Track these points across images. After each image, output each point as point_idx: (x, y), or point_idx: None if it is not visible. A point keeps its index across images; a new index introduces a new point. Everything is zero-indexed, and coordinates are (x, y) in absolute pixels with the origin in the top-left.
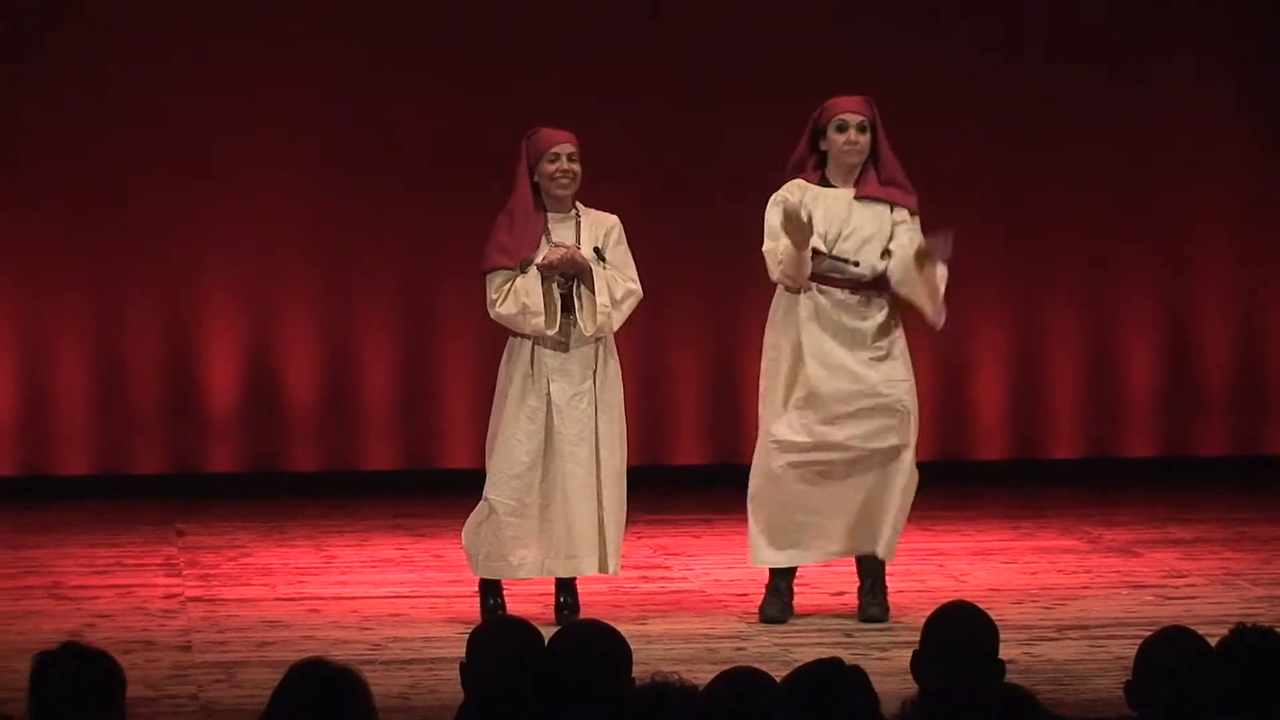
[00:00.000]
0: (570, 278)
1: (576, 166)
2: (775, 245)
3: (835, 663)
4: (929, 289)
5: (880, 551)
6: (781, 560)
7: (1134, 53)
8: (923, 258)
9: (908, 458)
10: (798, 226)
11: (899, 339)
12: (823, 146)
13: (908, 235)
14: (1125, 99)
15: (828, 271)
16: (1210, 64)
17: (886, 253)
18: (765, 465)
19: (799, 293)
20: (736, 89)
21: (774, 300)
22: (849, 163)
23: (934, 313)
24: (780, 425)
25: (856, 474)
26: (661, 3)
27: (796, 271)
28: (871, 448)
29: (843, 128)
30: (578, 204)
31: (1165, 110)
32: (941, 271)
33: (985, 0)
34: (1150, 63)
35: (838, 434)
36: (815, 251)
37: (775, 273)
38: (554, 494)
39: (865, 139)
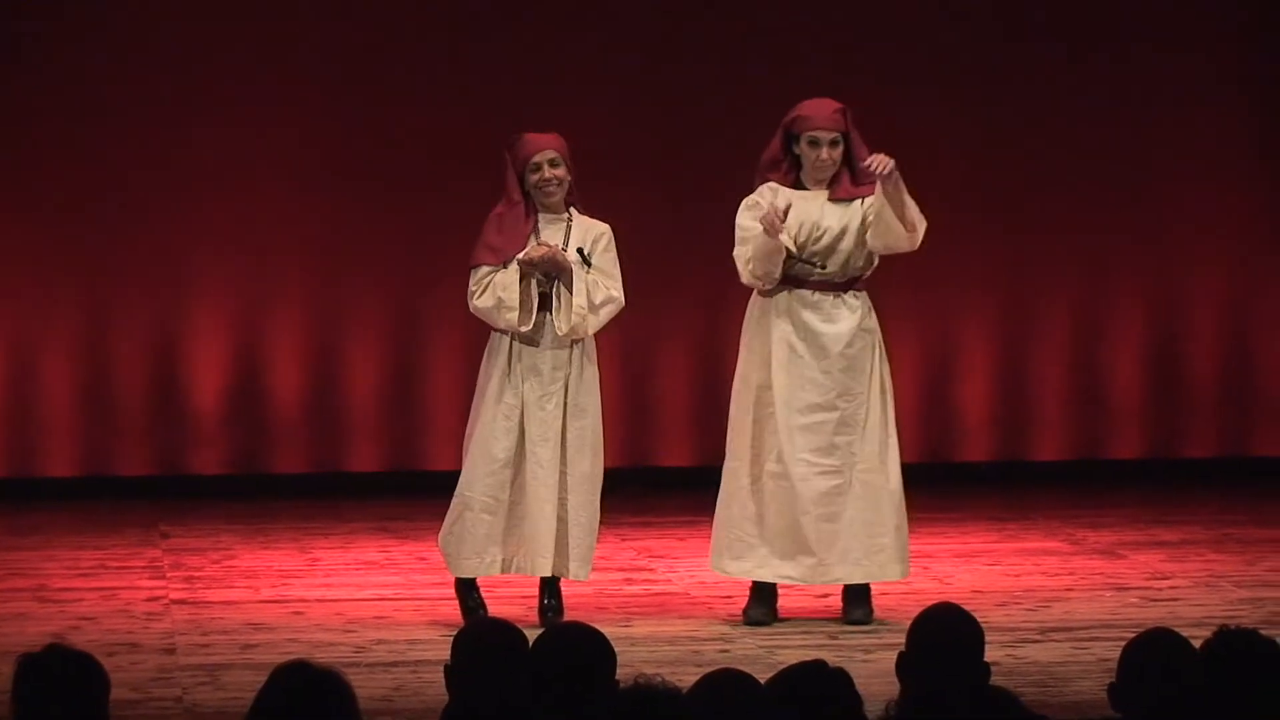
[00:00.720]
0: (551, 277)
1: (560, 172)
2: (745, 250)
3: (819, 665)
4: (899, 209)
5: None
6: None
7: (1126, 54)
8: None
9: (865, 476)
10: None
11: (870, 346)
12: (796, 151)
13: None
14: (1114, 100)
15: (799, 273)
16: (1204, 68)
17: (862, 246)
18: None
19: (771, 297)
20: (727, 90)
21: (749, 304)
22: (821, 176)
23: (911, 229)
24: (743, 440)
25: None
26: (653, 4)
27: (768, 264)
28: (827, 464)
29: (815, 144)
30: (572, 209)
31: (1153, 112)
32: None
33: (974, 1)
34: (1142, 65)
35: (795, 448)
36: (786, 254)
37: (745, 274)
38: (523, 492)
39: (838, 152)
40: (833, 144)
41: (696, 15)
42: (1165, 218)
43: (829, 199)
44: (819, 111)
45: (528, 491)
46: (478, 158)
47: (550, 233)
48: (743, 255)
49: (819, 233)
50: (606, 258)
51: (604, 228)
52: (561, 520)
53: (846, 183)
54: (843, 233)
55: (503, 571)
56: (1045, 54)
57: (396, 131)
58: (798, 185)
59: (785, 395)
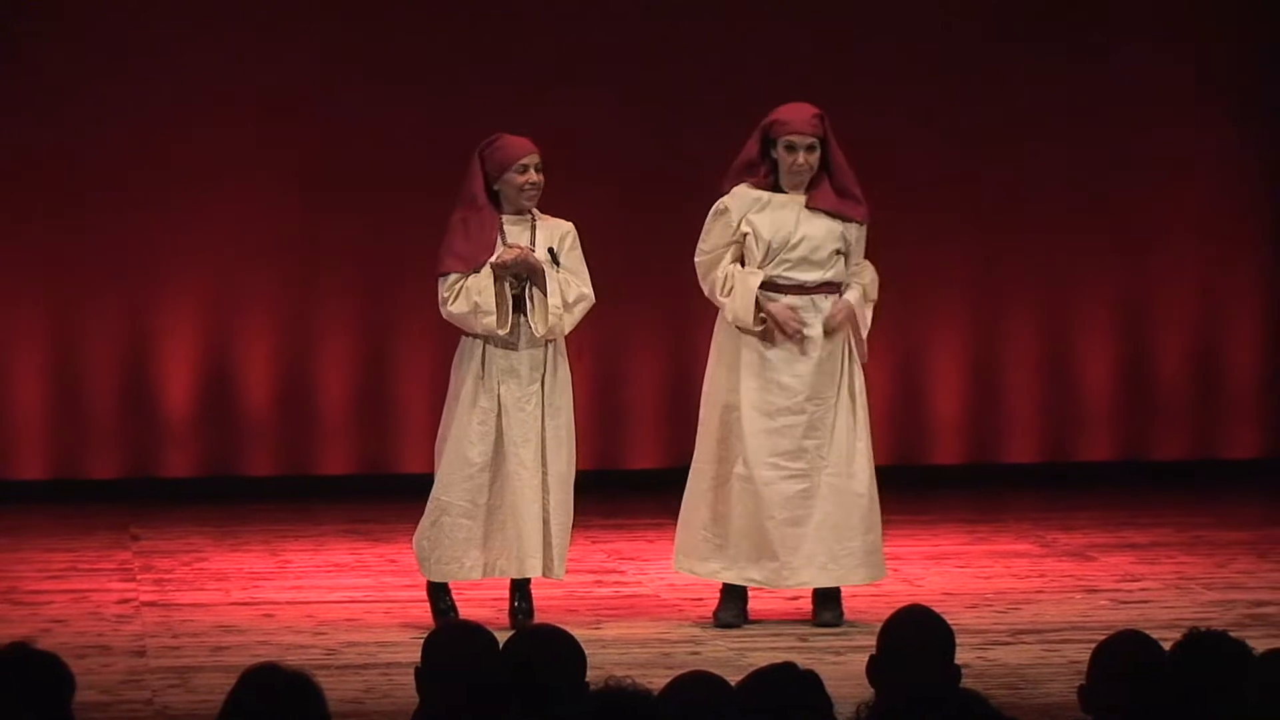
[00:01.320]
0: (523, 278)
1: (542, 176)
2: (711, 264)
3: (789, 667)
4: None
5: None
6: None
7: (1092, 54)
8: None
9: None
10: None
11: (841, 349)
12: (773, 155)
13: (854, 290)
14: (1083, 103)
15: (770, 278)
16: (1173, 73)
17: (837, 252)
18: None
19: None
20: (695, 93)
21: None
22: (798, 181)
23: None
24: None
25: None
26: (620, 7)
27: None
28: (794, 467)
29: (791, 149)
30: (534, 210)
31: (1123, 113)
32: (868, 321)
33: (947, 4)
34: (1108, 65)
35: (762, 451)
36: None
37: (705, 289)
38: (503, 495)
39: (814, 157)
40: (809, 149)
41: (665, 18)
42: (1135, 222)
43: (806, 205)
44: (796, 116)
45: (512, 494)
46: (449, 160)
47: (515, 234)
48: (710, 274)
49: (795, 239)
50: (573, 256)
51: (568, 226)
52: (544, 520)
53: (828, 190)
54: (817, 247)
55: (484, 576)
56: (1016, 58)
57: (367, 135)
58: (775, 188)
59: (753, 399)
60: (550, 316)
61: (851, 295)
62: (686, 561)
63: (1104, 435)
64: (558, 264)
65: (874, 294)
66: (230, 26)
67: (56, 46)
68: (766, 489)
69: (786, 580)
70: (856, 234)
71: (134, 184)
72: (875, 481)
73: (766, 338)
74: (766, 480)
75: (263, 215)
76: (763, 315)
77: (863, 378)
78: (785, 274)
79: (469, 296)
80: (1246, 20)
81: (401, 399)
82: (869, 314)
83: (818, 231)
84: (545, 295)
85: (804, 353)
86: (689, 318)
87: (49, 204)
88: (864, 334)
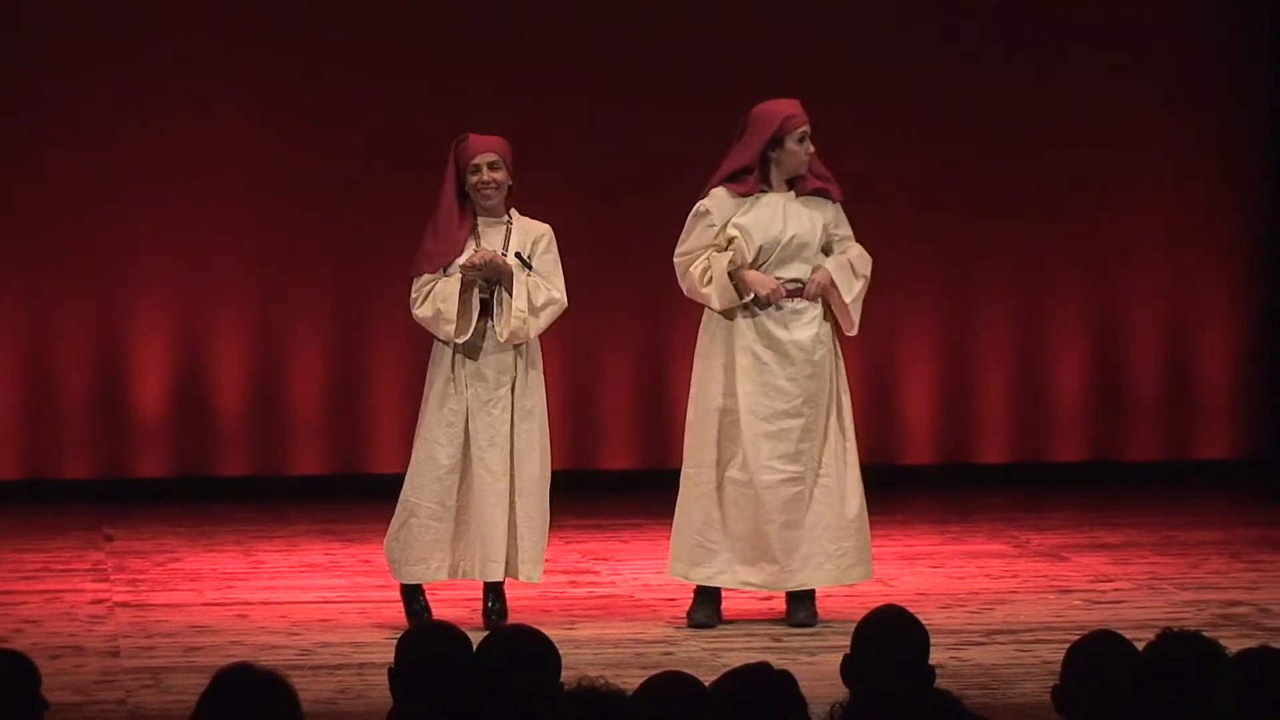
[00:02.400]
0: (492, 282)
1: (499, 175)
2: (689, 264)
3: (764, 667)
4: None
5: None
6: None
7: (1062, 60)
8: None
9: (827, 481)
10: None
11: (831, 352)
12: (774, 155)
13: (834, 258)
14: (1053, 107)
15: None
16: (1139, 73)
17: (824, 249)
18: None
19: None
20: (671, 96)
21: (705, 311)
22: (803, 171)
23: (846, 326)
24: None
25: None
26: (598, 8)
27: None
28: (792, 470)
29: (803, 139)
30: (512, 211)
31: (1093, 118)
32: (855, 290)
33: (915, 10)
34: (1079, 71)
35: (761, 454)
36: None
37: (684, 287)
38: (469, 498)
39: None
40: (811, 137)
41: (639, 22)
42: (1104, 225)
43: (797, 195)
44: (796, 108)
45: (476, 497)
46: (422, 164)
47: (491, 235)
48: (689, 270)
49: (785, 237)
50: (548, 259)
51: (545, 229)
52: (511, 524)
53: (810, 177)
54: (806, 242)
55: (449, 578)
56: (987, 65)
57: (339, 138)
58: (760, 189)
59: (750, 403)
60: (514, 320)
61: (829, 263)
62: (680, 568)
63: (1076, 436)
64: (529, 269)
65: (863, 270)
66: (203, 31)
67: (31, 50)
68: (766, 492)
69: (786, 583)
70: (834, 213)
71: (107, 186)
72: (862, 482)
73: (741, 330)
74: (766, 484)
75: (236, 217)
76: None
77: (846, 379)
78: (777, 272)
79: (434, 302)
80: (1215, 30)
81: (374, 400)
82: (858, 287)
83: (804, 225)
84: (512, 299)
85: (794, 351)
86: (662, 318)
87: (20, 205)
88: (850, 301)
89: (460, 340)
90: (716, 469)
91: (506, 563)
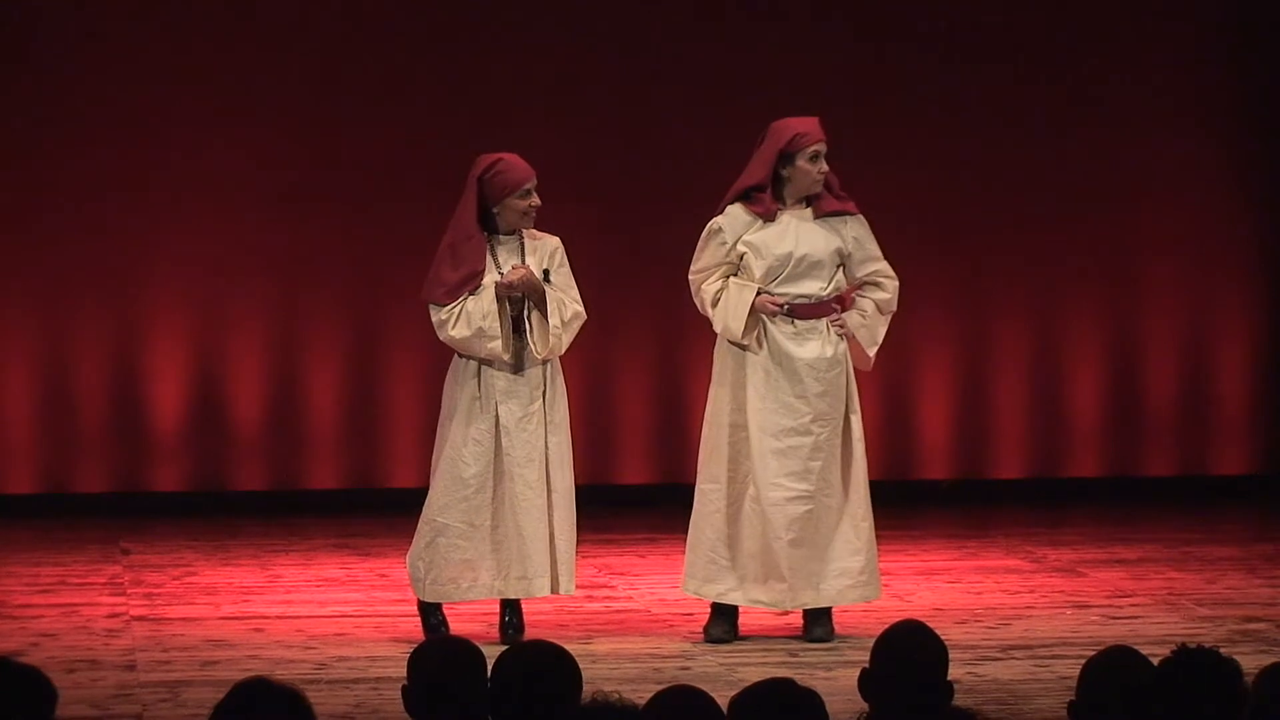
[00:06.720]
0: (522, 300)
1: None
2: (705, 280)
3: (787, 684)
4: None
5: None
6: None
7: (1080, 75)
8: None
9: (836, 500)
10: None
11: (844, 371)
12: (785, 173)
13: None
14: (1070, 122)
15: (776, 295)
16: (1157, 88)
17: (838, 265)
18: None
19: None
20: (685, 111)
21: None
22: (817, 190)
23: (863, 364)
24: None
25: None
26: (609, 26)
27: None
28: (801, 489)
29: (816, 158)
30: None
31: (1110, 133)
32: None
33: (930, 25)
34: (1097, 86)
35: (770, 472)
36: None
37: (698, 304)
38: (504, 515)
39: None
40: (825, 156)
41: (655, 40)
42: (1124, 240)
43: (814, 215)
44: (812, 127)
45: (517, 514)
46: (438, 178)
47: (505, 252)
48: (704, 296)
49: (799, 254)
50: (563, 272)
51: (556, 241)
52: (550, 538)
53: (828, 196)
54: (818, 261)
55: (483, 597)
56: (1002, 78)
57: (357, 152)
58: (777, 208)
59: (761, 420)
60: (550, 337)
61: (851, 320)
62: (694, 584)
63: (1093, 451)
64: (549, 283)
65: (892, 307)
66: (217, 45)
67: (49, 60)
68: (774, 510)
69: (792, 601)
70: (855, 228)
71: (125, 200)
72: (871, 502)
73: (753, 348)
74: (774, 501)
75: (253, 231)
76: (752, 330)
77: (859, 399)
78: (786, 289)
79: (471, 321)
80: (1233, 43)
81: (391, 414)
82: (882, 331)
83: (817, 243)
84: (545, 316)
85: (804, 369)
86: (679, 333)
87: (38, 219)
88: (870, 348)
89: (505, 356)
90: (731, 485)
91: (550, 578)
